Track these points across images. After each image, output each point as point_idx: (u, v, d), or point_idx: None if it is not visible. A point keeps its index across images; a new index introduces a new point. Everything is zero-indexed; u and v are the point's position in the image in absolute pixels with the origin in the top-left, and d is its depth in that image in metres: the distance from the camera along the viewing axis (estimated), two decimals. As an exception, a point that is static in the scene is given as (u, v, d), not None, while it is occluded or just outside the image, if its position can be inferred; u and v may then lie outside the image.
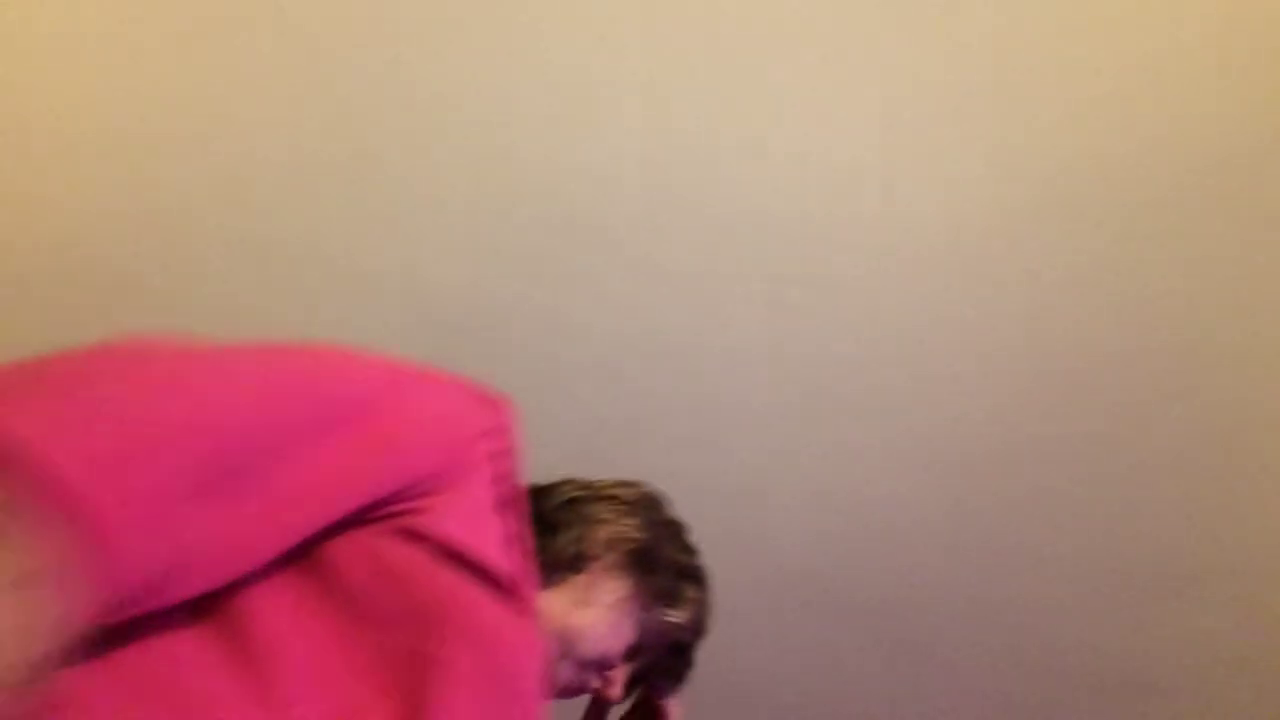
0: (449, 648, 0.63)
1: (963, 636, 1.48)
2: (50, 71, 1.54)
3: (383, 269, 1.50)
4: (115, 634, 0.54)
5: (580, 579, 0.85)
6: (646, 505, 0.91)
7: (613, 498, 0.91)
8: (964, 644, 1.48)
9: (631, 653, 0.87)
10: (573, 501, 0.90)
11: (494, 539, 0.68)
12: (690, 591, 0.90)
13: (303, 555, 0.61)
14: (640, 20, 1.32)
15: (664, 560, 0.89)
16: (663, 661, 0.90)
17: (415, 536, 0.64)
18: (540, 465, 1.60)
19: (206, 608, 0.58)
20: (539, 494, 0.90)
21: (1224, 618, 1.39)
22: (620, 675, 0.86)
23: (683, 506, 0.92)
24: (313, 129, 1.46)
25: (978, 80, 1.25)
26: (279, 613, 0.60)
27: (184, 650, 0.57)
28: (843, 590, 1.48)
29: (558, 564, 0.84)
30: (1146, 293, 1.28)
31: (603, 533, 0.87)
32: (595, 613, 0.84)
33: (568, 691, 0.85)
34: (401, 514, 0.64)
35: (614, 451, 1.49)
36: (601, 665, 0.85)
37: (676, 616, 0.88)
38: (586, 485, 0.92)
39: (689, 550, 0.92)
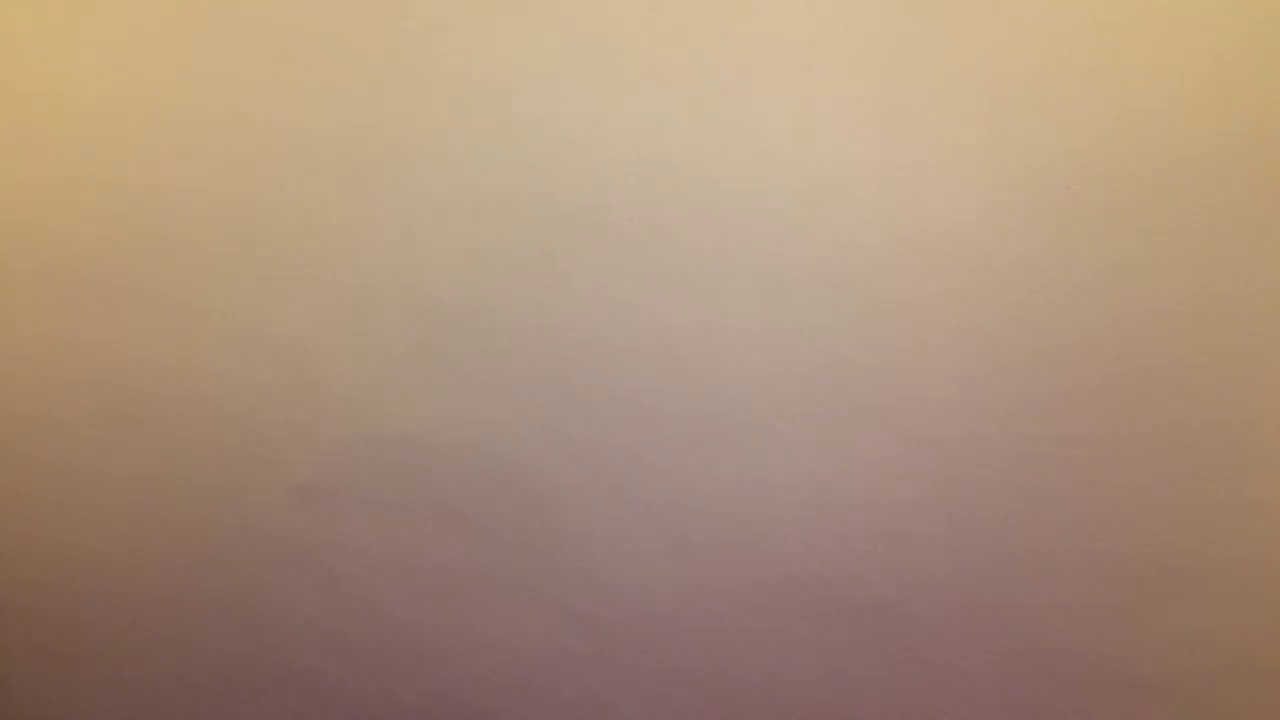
0: None
1: (963, 637, 1.48)
2: (50, 71, 1.54)
3: (382, 269, 1.50)
4: None
5: None
6: None
7: None
8: (964, 645, 1.48)
9: None
10: None
11: None
12: None
13: None
14: (640, 19, 1.32)
15: None
16: None
17: None
18: (540, 465, 1.61)
19: None
20: None
21: (1224, 618, 1.39)
22: None
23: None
24: (313, 129, 1.46)
25: (978, 80, 1.25)
26: None
27: None
28: (842, 592, 1.48)
29: None
30: (1148, 293, 1.29)
31: None
32: None
33: None
34: None
35: (613, 452, 1.49)
36: None
37: None
38: None
39: None
